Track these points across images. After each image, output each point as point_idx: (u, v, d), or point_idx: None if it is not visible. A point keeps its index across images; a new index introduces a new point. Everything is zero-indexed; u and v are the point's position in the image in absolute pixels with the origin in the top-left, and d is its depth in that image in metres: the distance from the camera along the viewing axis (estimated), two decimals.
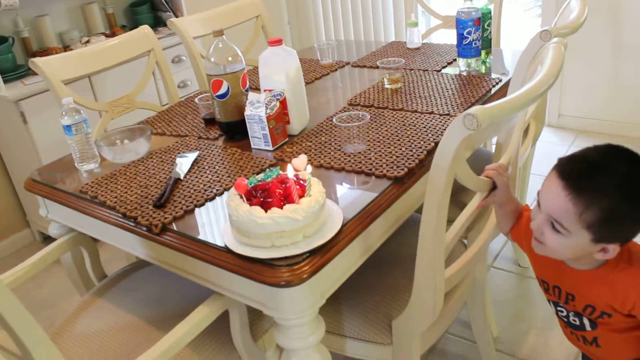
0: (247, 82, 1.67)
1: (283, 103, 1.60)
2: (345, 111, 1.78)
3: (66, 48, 2.93)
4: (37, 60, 1.98)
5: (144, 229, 1.35)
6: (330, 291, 1.23)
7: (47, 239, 3.02)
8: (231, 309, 1.37)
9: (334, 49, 2.33)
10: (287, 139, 1.63)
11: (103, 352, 1.44)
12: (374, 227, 1.31)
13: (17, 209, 3.05)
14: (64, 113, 1.61)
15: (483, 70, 2.03)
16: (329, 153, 1.54)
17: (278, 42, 1.62)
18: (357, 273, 1.32)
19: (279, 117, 1.58)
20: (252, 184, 1.19)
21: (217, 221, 1.33)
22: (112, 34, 3.08)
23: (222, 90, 1.61)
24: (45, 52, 2.82)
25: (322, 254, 1.16)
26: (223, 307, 1.36)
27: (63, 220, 1.68)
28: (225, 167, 1.54)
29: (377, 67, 2.10)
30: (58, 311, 2.49)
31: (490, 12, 2.04)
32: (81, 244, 1.77)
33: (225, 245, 1.21)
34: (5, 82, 2.67)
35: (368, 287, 1.53)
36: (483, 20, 1.99)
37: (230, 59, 1.62)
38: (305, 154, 1.52)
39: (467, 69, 2.03)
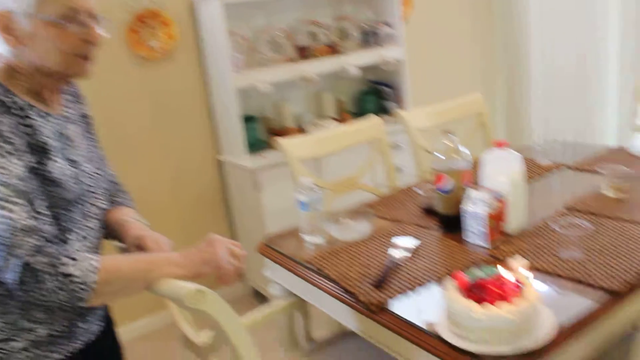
0: (470, 179, 1.76)
1: (502, 203, 1.66)
2: (562, 215, 1.79)
3: (300, 128, 3.28)
4: (280, 139, 2.28)
5: (361, 305, 1.48)
6: None
7: (258, 295, 3.29)
8: None
9: (553, 149, 2.35)
10: (503, 238, 1.68)
11: None
12: (585, 337, 1.31)
13: None
14: (302, 190, 1.83)
15: None
16: (544, 256, 1.56)
17: (504, 144, 1.70)
18: None
19: (498, 216, 1.64)
20: (470, 279, 1.27)
21: (429, 307, 1.41)
22: (341, 119, 3.38)
23: (446, 185, 1.72)
24: (283, 130, 3.18)
25: (530, 356, 1.19)
26: None
27: (286, 284, 1.88)
28: (440, 257, 1.64)
29: (598, 173, 2.07)
30: None
31: None
32: (297, 308, 1.95)
33: (436, 332, 1.29)
34: (248, 153, 3.08)
35: None
36: None
37: (456, 156, 1.74)
38: (520, 254, 1.56)
39: None
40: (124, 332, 1.61)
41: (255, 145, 3.16)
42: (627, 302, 1.39)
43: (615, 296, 1.37)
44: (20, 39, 1.27)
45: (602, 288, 1.39)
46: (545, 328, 1.24)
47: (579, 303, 1.36)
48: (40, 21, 1.25)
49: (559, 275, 1.47)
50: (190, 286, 1.19)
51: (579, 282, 1.43)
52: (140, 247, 1.45)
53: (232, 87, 2.99)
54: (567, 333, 1.26)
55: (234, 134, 3.09)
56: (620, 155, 2.36)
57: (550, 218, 1.77)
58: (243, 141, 3.08)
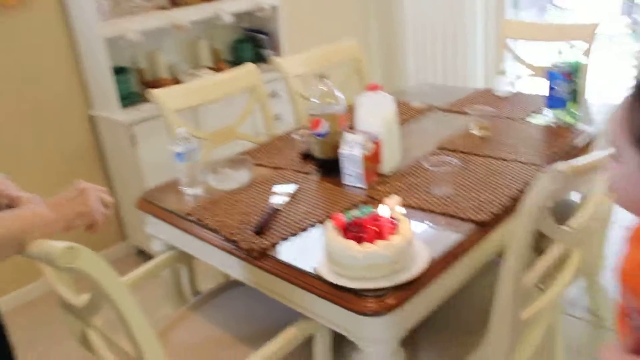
0: (346, 123, 1.79)
1: (377, 144, 1.71)
2: (434, 154, 1.87)
3: (175, 79, 3.18)
4: (153, 90, 2.19)
5: (243, 252, 1.48)
6: (412, 324, 1.32)
7: (141, 253, 3.23)
8: (317, 333, 1.48)
9: (424, 92, 2.43)
10: (379, 179, 1.74)
11: None
12: (457, 267, 1.39)
13: (117, 223, 3.28)
14: (177, 141, 1.78)
15: (571, 122, 2.07)
16: (418, 194, 1.63)
17: (376, 87, 1.74)
18: (436, 309, 1.41)
19: (373, 158, 1.69)
20: (348, 219, 1.30)
21: (310, 250, 1.44)
22: (217, 68, 3.30)
23: (322, 129, 1.74)
24: (157, 82, 3.06)
25: (408, 288, 1.26)
26: (310, 330, 1.46)
27: (167, 238, 1.84)
28: (319, 201, 1.66)
29: (466, 113, 2.17)
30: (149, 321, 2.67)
31: (583, 66, 2.09)
32: (180, 261, 1.92)
33: (318, 273, 1.32)
34: (122, 107, 2.94)
35: (445, 324, 1.60)
36: (574, 74, 2.04)
37: (331, 100, 1.75)
38: (396, 193, 1.62)
39: (554, 120, 2.08)
40: (1, 304, 1.51)
41: (129, 98, 3.01)
42: (493, 232, 1.49)
43: (483, 227, 1.46)
44: None
45: (471, 220, 1.48)
46: (420, 261, 1.30)
47: (451, 235, 1.44)
48: None
49: (432, 211, 1.55)
50: (61, 245, 1.11)
51: (450, 216, 1.51)
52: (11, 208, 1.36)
53: (99, 36, 2.81)
54: (440, 264, 1.34)
55: (105, 87, 2.93)
56: (486, 96, 2.49)
57: (423, 157, 1.83)
58: (115, 94, 2.92)
